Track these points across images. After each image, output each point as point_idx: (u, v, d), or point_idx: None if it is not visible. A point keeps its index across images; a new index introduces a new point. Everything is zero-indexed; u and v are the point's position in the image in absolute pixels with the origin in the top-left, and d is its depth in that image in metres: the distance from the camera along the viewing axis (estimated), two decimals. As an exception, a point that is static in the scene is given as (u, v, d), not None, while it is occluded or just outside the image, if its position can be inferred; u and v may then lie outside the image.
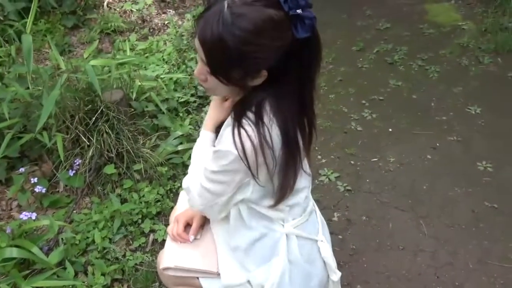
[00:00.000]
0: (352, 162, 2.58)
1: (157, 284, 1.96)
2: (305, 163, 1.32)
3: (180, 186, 2.33)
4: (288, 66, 1.08)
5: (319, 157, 2.61)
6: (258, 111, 1.12)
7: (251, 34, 1.00)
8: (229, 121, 1.19)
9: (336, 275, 1.41)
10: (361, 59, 3.44)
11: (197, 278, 1.39)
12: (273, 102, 1.12)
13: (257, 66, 1.07)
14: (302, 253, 1.32)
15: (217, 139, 1.22)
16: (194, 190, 1.26)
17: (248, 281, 1.31)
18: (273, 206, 1.26)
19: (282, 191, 1.22)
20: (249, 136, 1.10)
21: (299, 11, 1.00)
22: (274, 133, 1.13)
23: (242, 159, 1.11)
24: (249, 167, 1.12)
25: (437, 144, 2.66)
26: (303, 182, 1.32)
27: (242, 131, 1.11)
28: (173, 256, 1.41)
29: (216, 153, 1.16)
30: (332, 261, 1.39)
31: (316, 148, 2.67)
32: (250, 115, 1.12)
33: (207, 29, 1.02)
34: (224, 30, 1.00)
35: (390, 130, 2.79)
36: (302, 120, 1.19)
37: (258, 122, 1.11)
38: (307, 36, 1.02)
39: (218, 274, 1.35)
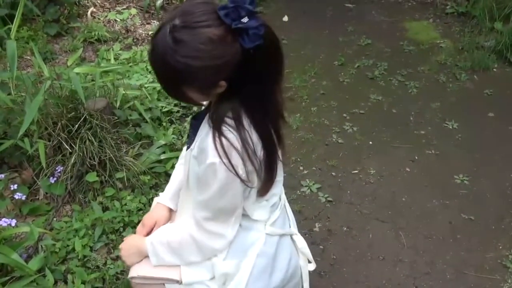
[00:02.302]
0: (333, 173, 2.61)
1: (138, 292, 1.94)
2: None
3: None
4: (247, 73, 1.09)
5: (301, 168, 2.64)
6: (236, 116, 1.14)
7: (193, 59, 1.03)
8: (203, 132, 1.21)
9: (312, 265, 1.50)
10: (342, 74, 3.50)
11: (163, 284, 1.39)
12: (245, 106, 1.15)
13: (209, 83, 1.09)
14: (273, 248, 1.36)
15: (197, 153, 1.22)
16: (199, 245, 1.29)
17: (212, 279, 1.33)
18: (263, 196, 1.30)
19: (268, 184, 1.27)
20: (232, 144, 1.12)
21: (244, 20, 1.01)
22: (254, 136, 1.16)
23: (229, 168, 1.12)
24: (237, 175, 1.14)
25: (416, 157, 2.72)
26: (279, 172, 1.36)
27: (224, 139, 1.12)
28: (137, 266, 1.42)
29: (207, 171, 1.16)
30: (308, 251, 1.46)
31: (298, 159, 2.70)
32: (229, 121, 1.14)
33: (154, 53, 1.07)
34: (168, 55, 1.04)
35: (371, 143, 2.84)
36: (272, 120, 1.23)
37: (239, 127, 1.14)
38: (256, 45, 1.03)
39: (180, 282, 1.36)
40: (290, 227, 1.48)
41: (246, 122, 1.15)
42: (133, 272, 1.41)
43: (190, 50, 1.02)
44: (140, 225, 1.54)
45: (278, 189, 1.39)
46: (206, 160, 1.14)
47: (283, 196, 1.50)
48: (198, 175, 1.21)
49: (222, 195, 1.19)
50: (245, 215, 1.31)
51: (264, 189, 1.28)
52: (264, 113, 1.18)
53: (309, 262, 1.52)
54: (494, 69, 3.51)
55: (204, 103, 1.36)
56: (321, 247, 2.18)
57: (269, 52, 1.10)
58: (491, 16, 3.82)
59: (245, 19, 1.01)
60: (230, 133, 1.13)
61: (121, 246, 1.48)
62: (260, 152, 1.18)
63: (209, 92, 1.13)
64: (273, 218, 1.38)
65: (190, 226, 1.29)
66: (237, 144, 1.13)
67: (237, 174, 1.13)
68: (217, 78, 1.08)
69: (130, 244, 1.46)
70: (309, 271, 1.51)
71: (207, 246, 1.29)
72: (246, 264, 1.31)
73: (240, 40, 1.03)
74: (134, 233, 2.14)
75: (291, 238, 1.47)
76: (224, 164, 1.12)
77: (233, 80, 1.09)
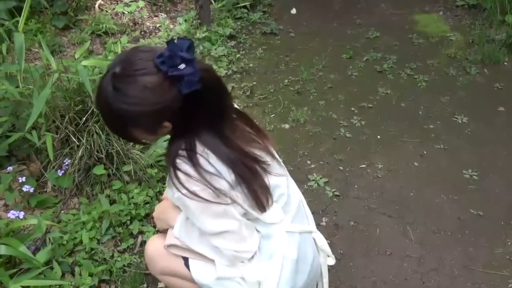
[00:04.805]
0: (340, 168, 2.60)
1: (144, 285, 1.95)
2: (275, 165, 1.38)
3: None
4: (190, 114, 1.15)
5: (308, 162, 2.63)
6: (189, 147, 1.19)
7: (131, 105, 1.10)
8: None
9: (332, 260, 1.52)
10: (350, 67, 3.48)
11: (188, 269, 1.40)
12: (197, 137, 1.20)
13: (152, 125, 1.16)
14: (295, 248, 1.37)
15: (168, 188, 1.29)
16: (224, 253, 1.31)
17: (242, 278, 1.32)
18: (264, 211, 1.30)
19: (257, 198, 1.28)
20: (187, 174, 1.17)
21: (181, 67, 1.06)
22: (213, 160, 1.19)
23: (191, 197, 1.18)
24: (204, 199, 1.18)
25: (424, 152, 2.70)
26: (274, 179, 1.35)
27: (179, 172, 1.17)
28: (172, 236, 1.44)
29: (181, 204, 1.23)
30: (328, 248, 1.49)
31: (305, 153, 2.69)
32: (182, 152, 1.19)
33: (99, 98, 1.16)
34: (109, 101, 1.11)
35: (379, 137, 2.82)
36: (231, 145, 1.24)
37: (192, 156, 1.18)
38: (194, 90, 1.08)
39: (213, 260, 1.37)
40: (309, 224, 1.49)
41: (201, 149, 1.19)
42: (175, 240, 1.41)
43: (127, 97, 1.09)
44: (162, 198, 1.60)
45: (282, 189, 1.38)
46: (174, 196, 1.21)
47: (299, 195, 1.50)
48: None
49: (212, 221, 1.23)
50: (260, 221, 1.32)
51: (257, 203, 1.29)
52: (220, 141, 1.22)
53: (328, 256, 1.53)
54: (505, 63, 3.46)
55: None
56: (328, 241, 2.14)
57: (209, 94, 1.15)
58: (502, 8, 3.77)
59: (181, 66, 1.06)
60: (184, 164, 1.18)
61: (157, 207, 1.54)
62: (227, 170, 1.21)
63: (156, 132, 1.19)
64: (289, 216, 1.38)
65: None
66: (193, 172, 1.17)
67: (203, 199, 1.18)
68: (159, 120, 1.14)
69: (163, 211, 1.51)
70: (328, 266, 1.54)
71: (236, 258, 1.31)
72: (274, 268, 1.32)
73: (177, 85, 1.07)
74: (142, 226, 2.16)
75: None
76: (185, 195, 1.17)
77: (178, 120, 1.15)
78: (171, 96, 1.09)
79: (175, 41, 1.08)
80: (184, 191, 1.17)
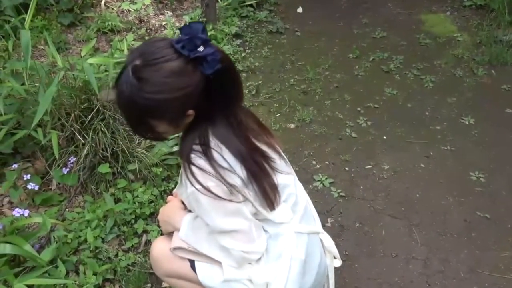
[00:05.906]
0: (346, 168, 2.58)
1: (149, 285, 1.94)
2: (282, 164, 1.38)
3: (174, 187, 2.32)
4: (211, 99, 1.16)
5: (314, 162, 2.62)
6: (203, 141, 1.19)
7: (159, 93, 1.09)
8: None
9: (338, 261, 1.50)
10: (357, 67, 3.46)
11: (194, 272, 1.38)
12: (212, 129, 1.20)
13: (178, 114, 1.16)
14: (303, 249, 1.36)
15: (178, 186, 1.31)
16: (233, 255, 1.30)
17: (249, 280, 1.31)
18: (273, 209, 1.29)
19: (265, 195, 1.27)
20: (202, 168, 1.17)
21: (200, 49, 1.07)
22: (226, 154, 1.19)
23: (204, 193, 1.17)
24: (217, 196, 1.18)
25: (431, 153, 2.68)
26: (282, 178, 1.35)
27: (194, 167, 1.17)
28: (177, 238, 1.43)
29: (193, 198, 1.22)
30: (335, 250, 1.47)
31: (311, 153, 2.68)
32: (196, 147, 1.19)
33: (122, 96, 1.13)
34: (135, 95, 1.10)
35: (385, 137, 2.80)
36: (242, 137, 1.24)
37: (207, 151, 1.18)
38: (216, 70, 1.09)
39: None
40: (315, 225, 1.48)
41: (213, 143, 1.19)
42: (182, 243, 1.40)
43: (155, 85, 1.08)
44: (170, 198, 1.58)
45: (291, 189, 1.38)
46: (187, 190, 1.20)
47: (305, 195, 1.49)
48: (192, 207, 1.28)
49: (223, 219, 1.22)
50: (269, 221, 1.31)
51: (267, 202, 1.28)
52: (232, 131, 1.22)
53: (335, 258, 1.52)
54: (513, 64, 3.44)
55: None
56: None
57: (227, 74, 1.16)
58: (510, 9, 3.75)
59: (201, 48, 1.07)
60: (199, 159, 1.17)
61: (161, 210, 1.53)
62: (239, 166, 1.21)
63: (179, 123, 1.19)
64: (297, 216, 1.37)
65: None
66: (208, 167, 1.17)
67: (216, 196, 1.17)
68: (184, 108, 1.14)
69: (168, 212, 1.50)
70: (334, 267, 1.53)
71: (244, 259, 1.30)
72: (282, 269, 1.31)
73: (200, 68, 1.08)
74: (146, 225, 2.15)
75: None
76: (199, 190, 1.17)
77: (200, 107, 1.15)
78: (196, 79, 1.10)
79: (189, 25, 1.09)
80: (198, 186, 1.16)
